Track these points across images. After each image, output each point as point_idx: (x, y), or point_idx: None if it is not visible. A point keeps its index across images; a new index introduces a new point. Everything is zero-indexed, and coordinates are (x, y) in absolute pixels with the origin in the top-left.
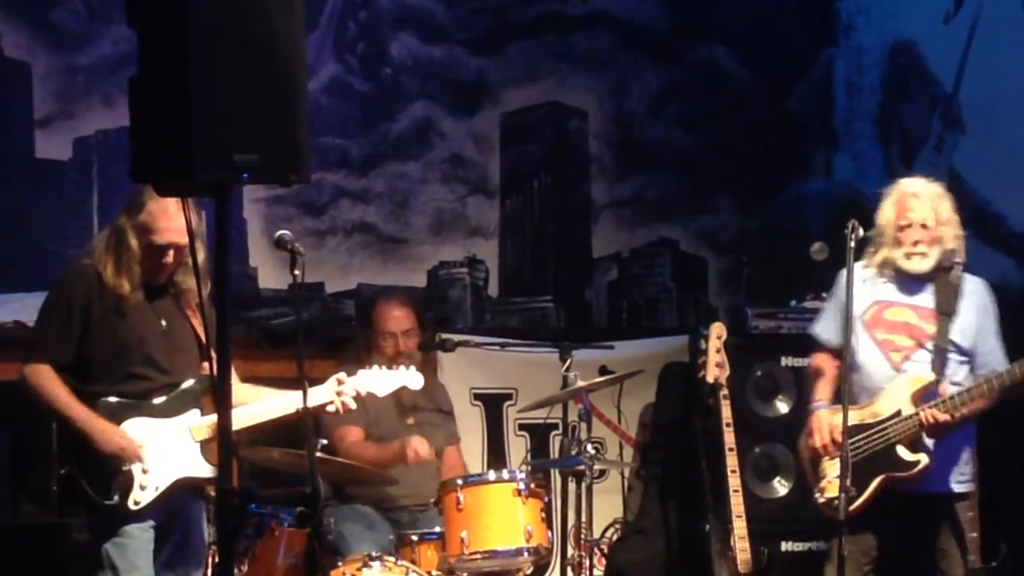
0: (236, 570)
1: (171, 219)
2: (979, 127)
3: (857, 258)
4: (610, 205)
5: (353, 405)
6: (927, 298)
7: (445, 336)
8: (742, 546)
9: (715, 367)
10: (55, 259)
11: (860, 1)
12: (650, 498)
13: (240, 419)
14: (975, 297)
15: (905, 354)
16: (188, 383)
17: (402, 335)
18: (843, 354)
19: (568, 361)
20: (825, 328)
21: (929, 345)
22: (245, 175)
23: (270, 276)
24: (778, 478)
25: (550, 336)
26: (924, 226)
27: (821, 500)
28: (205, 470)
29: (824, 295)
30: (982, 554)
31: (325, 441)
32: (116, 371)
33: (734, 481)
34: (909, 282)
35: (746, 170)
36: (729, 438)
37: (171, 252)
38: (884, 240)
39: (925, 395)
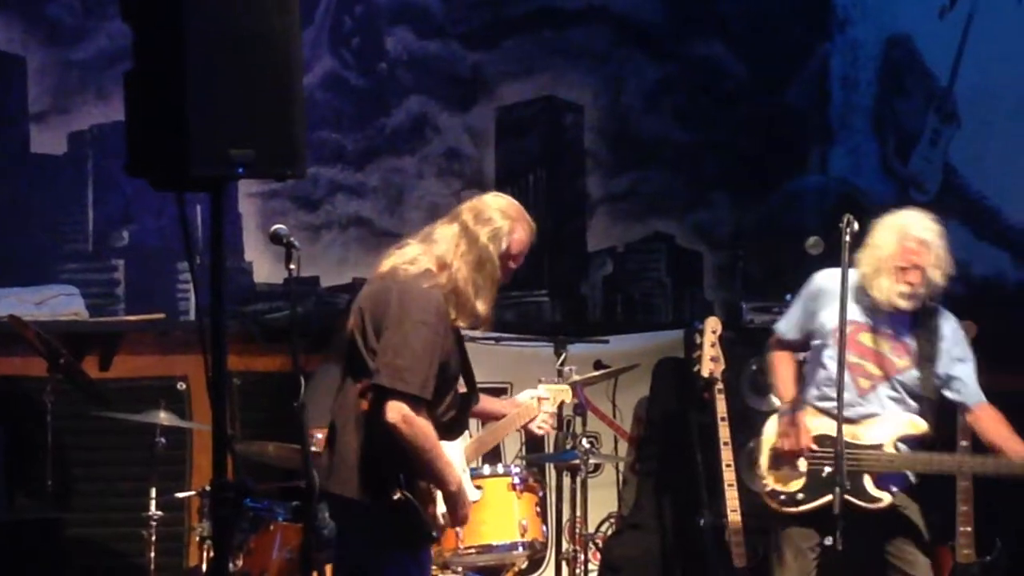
0: (231, 564)
1: None
2: (974, 121)
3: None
4: (605, 200)
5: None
6: (903, 331)
7: None
8: (737, 540)
9: (710, 361)
10: (50, 253)
11: None
12: (645, 492)
13: (496, 437)
14: (956, 348)
15: (873, 383)
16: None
17: None
18: (840, 356)
19: (563, 355)
20: (788, 326)
21: (896, 379)
22: (240, 170)
23: (265, 271)
24: None
25: (545, 330)
26: (924, 271)
27: (765, 489)
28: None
29: None
30: (977, 549)
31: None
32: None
33: (729, 475)
34: (889, 311)
35: (742, 165)
36: (724, 432)
37: None
38: (883, 267)
39: (909, 441)
